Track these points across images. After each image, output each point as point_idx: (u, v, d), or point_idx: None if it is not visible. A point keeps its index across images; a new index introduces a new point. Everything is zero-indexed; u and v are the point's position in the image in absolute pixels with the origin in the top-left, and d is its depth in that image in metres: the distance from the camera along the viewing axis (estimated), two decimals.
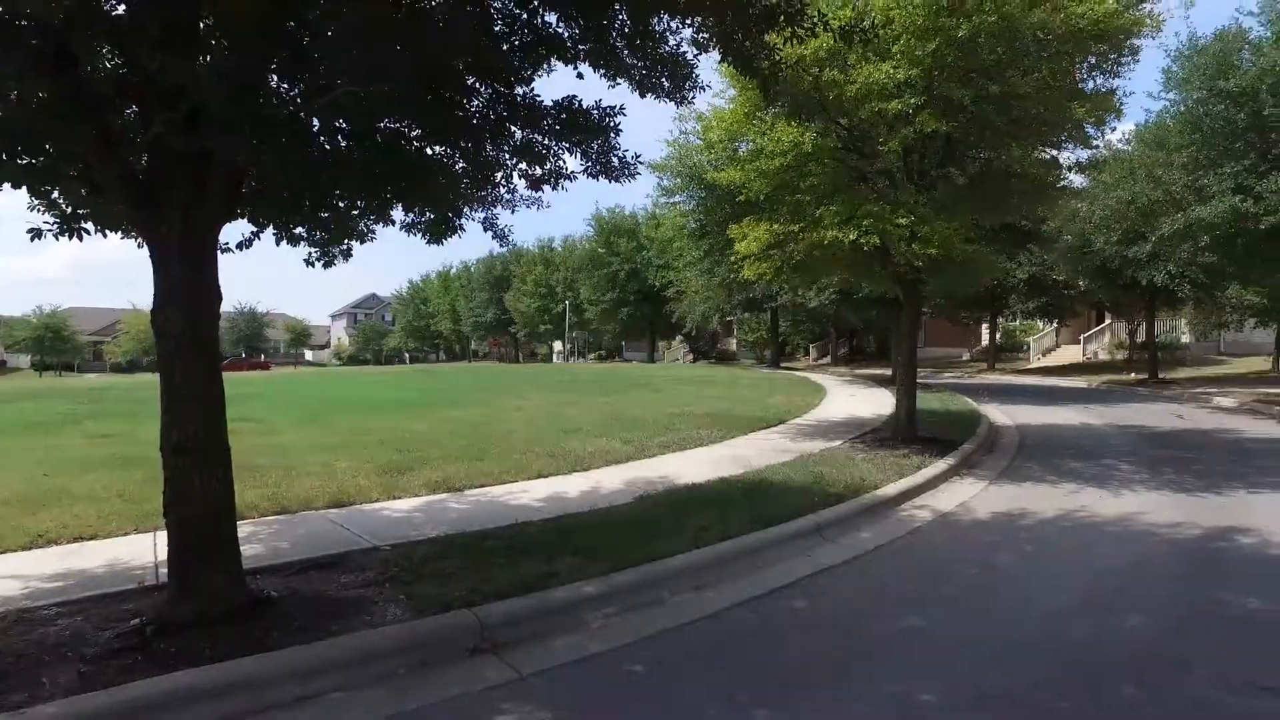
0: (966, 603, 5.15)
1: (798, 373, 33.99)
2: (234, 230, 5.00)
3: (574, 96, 4.78)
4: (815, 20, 4.58)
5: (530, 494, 7.79)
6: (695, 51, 4.70)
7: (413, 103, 4.13)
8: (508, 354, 74.15)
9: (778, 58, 4.87)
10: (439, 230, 5.42)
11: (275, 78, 4.14)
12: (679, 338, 53.60)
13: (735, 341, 52.46)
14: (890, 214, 9.50)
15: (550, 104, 4.76)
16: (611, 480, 8.50)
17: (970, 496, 8.44)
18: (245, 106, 3.68)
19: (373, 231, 5.84)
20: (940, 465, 9.49)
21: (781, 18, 4.32)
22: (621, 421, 13.68)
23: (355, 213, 5.47)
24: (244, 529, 5.54)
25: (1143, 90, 49.77)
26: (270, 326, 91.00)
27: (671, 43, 4.59)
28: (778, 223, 10.79)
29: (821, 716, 3.60)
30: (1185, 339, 34.78)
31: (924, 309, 34.03)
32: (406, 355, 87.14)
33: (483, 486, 8.10)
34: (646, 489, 7.91)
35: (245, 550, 4.89)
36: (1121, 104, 10.61)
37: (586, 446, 10.59)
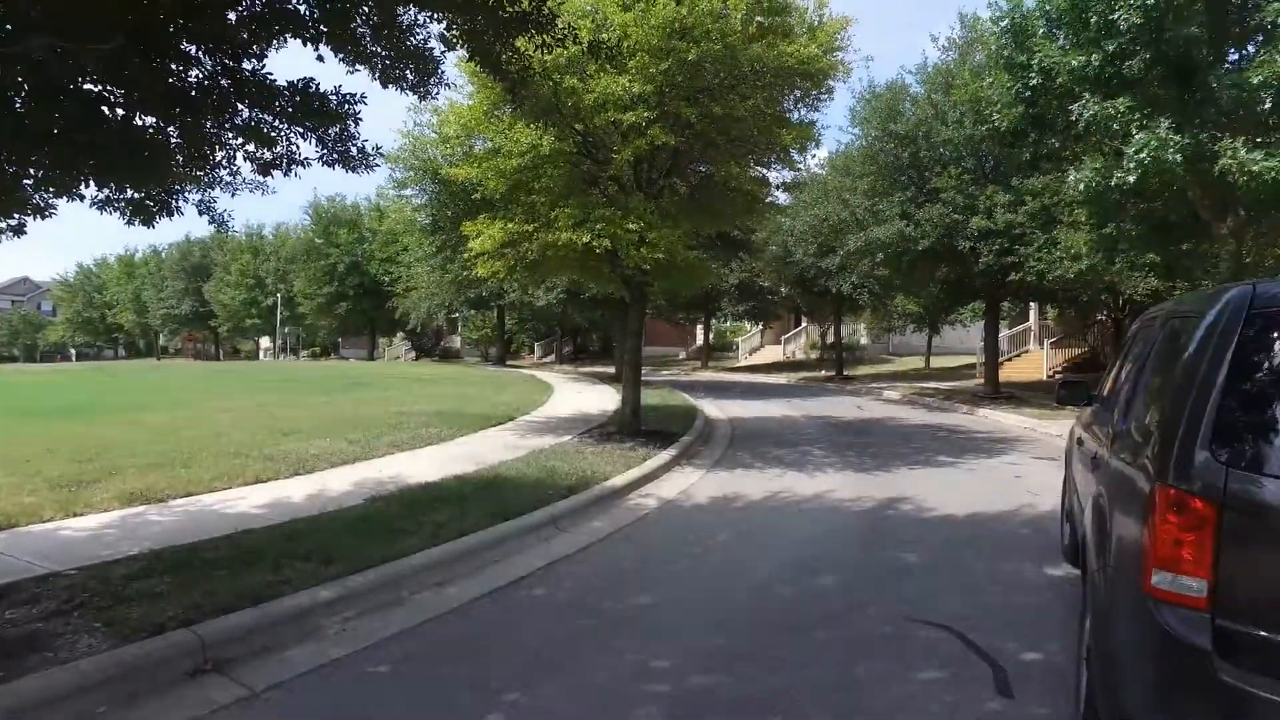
0: (692, 577, 5.67)
1: (524, 370, 34.41)
2: None
3: (312, 79, 4.52)
4: (566, 31, 4.77)
5: (249, 500, 7.17)
6: (443, 48, 4.68)
7: (121, 65, 3.66)
8: (205, 351, 66.55)
9: (526, 63, 4.99)
10: (145, 210, 4.83)
11: None
12: (400, 334, 51.67)
13: (460, 339, 51.79)
14: (621, 219, 10.05)
15: (284, 84, 4.45)
16: (339, 482, 8.09)
17: (691, 484, 9.20)
18: None
19: (54, 206, 5.06)
20: (663, 456, 10.21)
21: (532, 26, 4.46)
22: (345, 422, 13.00)
23: (29, 182, 4.69)
24: None
25: (835, 125, 57.03)
26: None
27: (420, 36, 4.52)
28: (513, 222, 10.92)
29: (566, 691, 3.79)
30: (864, 340, 40.28)
31: (647, 310, 36.21)
32: (73, 352, 74.68)
33: (191, 495, 7.30)
34: (378, 489, 7.65)
35: None
36: (820, 134, 12.19)
37: (308, 448, 9.95)
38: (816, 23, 11.15)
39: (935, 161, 18.45)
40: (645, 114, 9.72)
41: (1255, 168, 8.41)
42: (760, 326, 43.70)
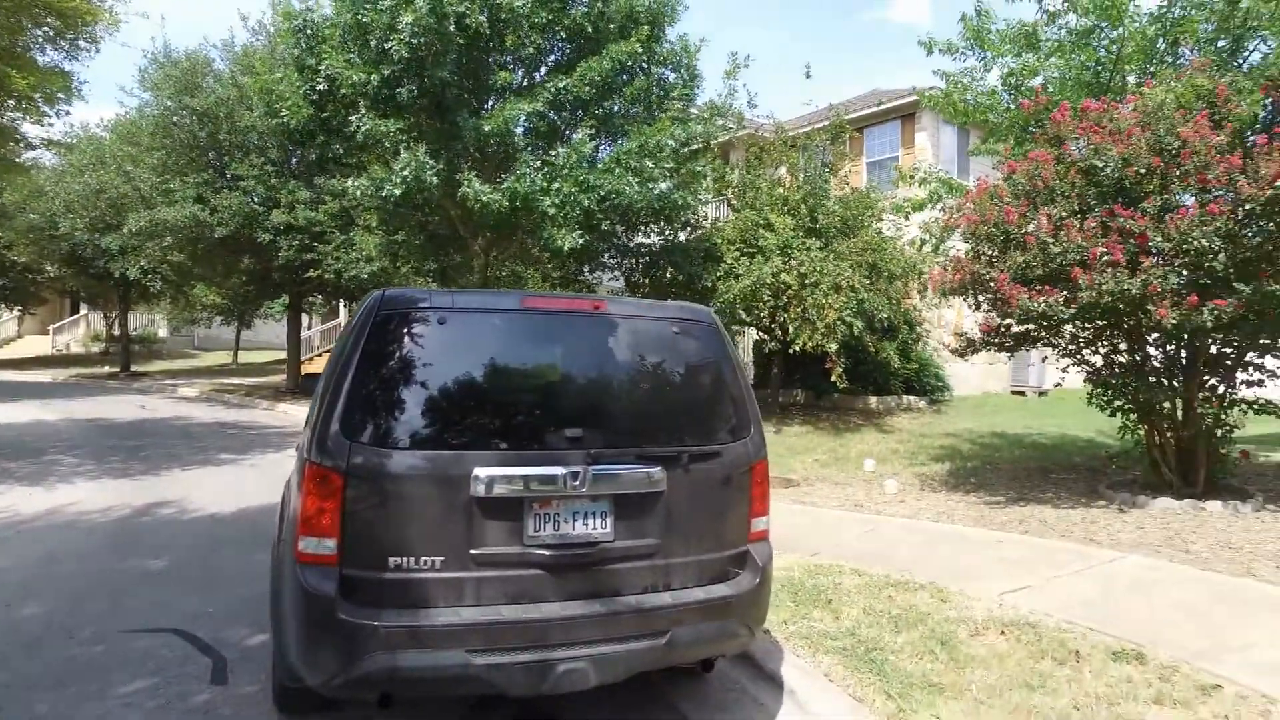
0: None
1: None
2: None
3: None
4: None
5: None
6: None
7: None
8: None
9: None
10: None
11: None
12: None
13: None
14: None
15: None
16: None
17: None
18: None
19: None
20: None
21: None
22: None
23: None
24: None
25: (116, 83, 49.24)
26: None
27: None
28: None
29: None
30: (163, 333, 36.17)
31: None
32: None
33: None
34: None
35: None
36: (79, 87, 10.39)
37: None
38: None
39: (238, 147, 17.68)
40: None
41: (485, 198, 10.26)
42: (18, 312, 35.59)
